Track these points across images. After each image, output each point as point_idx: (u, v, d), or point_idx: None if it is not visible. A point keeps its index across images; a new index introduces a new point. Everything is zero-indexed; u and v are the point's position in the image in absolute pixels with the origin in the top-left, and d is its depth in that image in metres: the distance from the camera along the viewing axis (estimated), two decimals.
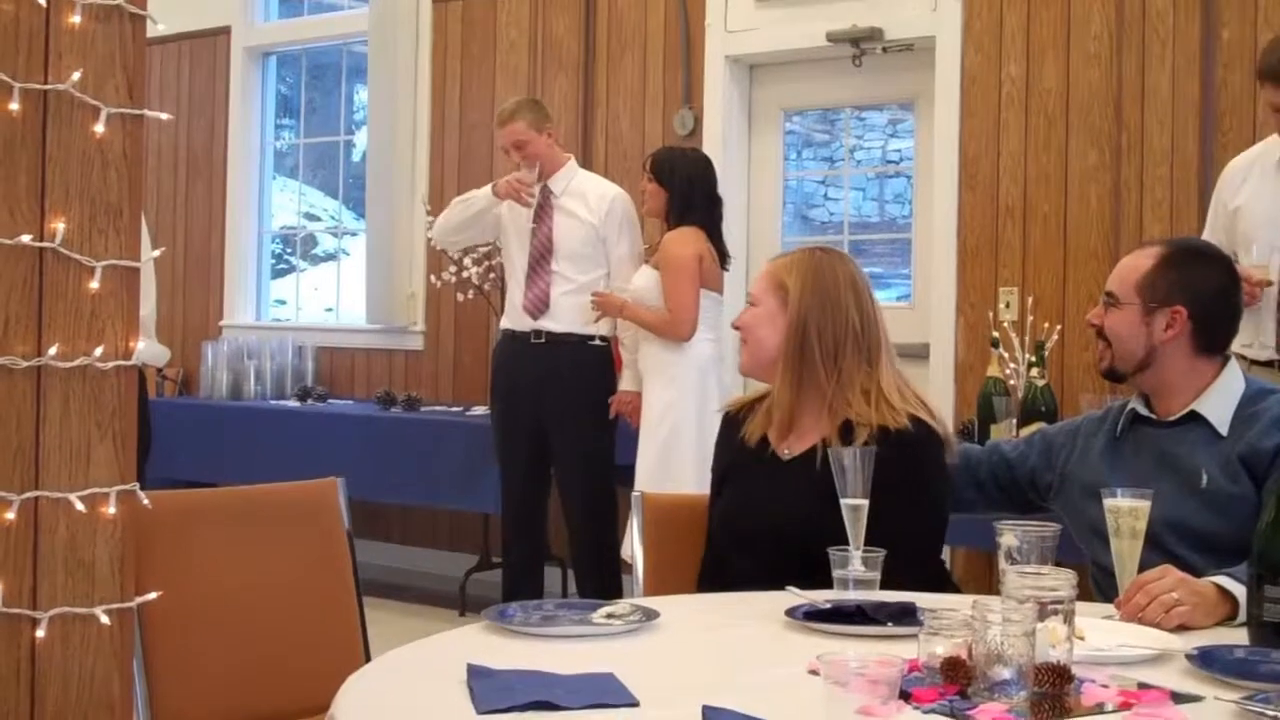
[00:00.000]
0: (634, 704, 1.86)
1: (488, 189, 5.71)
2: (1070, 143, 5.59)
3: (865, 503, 2.58)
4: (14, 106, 2.34)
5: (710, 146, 6.30)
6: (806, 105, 6.62)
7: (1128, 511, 2.52)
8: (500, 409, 5.73)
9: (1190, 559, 2.66)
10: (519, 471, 5.68)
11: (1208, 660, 2.06)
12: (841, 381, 2.88)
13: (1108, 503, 2.54)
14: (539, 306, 5.55)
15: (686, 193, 5.41)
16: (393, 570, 7.18)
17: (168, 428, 6.51)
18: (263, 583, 2.87)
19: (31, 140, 2.37)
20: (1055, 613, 2.00)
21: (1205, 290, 2.86)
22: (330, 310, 8.38)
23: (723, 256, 5.50)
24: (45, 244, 2.38)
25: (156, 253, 2.81)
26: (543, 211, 5.62)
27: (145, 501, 2.51)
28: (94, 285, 2.40)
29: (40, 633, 2.40)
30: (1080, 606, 2.45)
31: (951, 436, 2.97)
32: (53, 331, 2.38)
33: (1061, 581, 2.03)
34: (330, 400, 7.30)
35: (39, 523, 2.40)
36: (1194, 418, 2.86)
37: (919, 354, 5.91)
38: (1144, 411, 2.94)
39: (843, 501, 2.59)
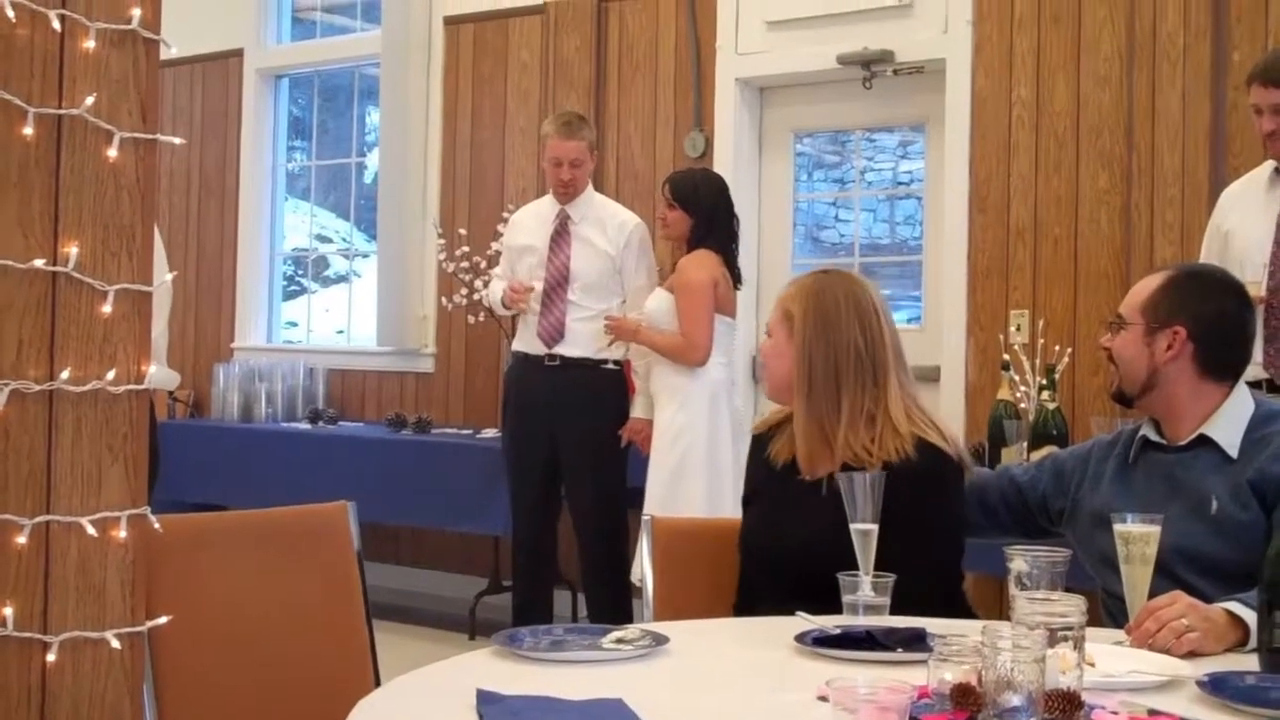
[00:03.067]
0: None
1: (498, 298, 5.74)
2: (1081, 165, 5.60)
3: (874, 528, 2.58)
4: (28, 131, 2.35)
5: (721, 168, 6.31)
6: (817, 127, 6.63)
7: (1138, 537, 2.52)
8: (512, 431, 5.73)
9: (1199, 586, 2.65)
10: (530, 494, 5.68)
11: (1218, 687, 2.06)
12: (843, 406, 2.88)
13: (1118, 528, 2.54)
14: (554, 334, 5.55)
15: (711, 215, 5.40)
16: (402, 593, 7.17)
17: (178, 449, 6.53)
18: (273, 606, 2.87)
19: (45, 164, 2.38)
20: (1065, 639, 2.00)
21: (1205, 312, 2.86)
22: (341, 332, 8.39)
23: (736, 278, 5.49)
24: (58, 268, 2.39)
25: (169, 276, 2.82)
26: (560, 238, 5.61)
27: (156, 525, 2.51)
28: (106, 309, 2.41)
29: (51, 656, 2.40)
30: (1090, 633, 2.45)
31: (965, 457, 2.96)
32: (65, 355, 2.39)
33: (1072, 608, 2.03)
34: (341, 422, 7.30)
35: (50, 547, 2.40)
36: (1203, 441, 2.85)
37: (929, 376, 5.91)
38: (1154, 437, 2.93)
39: (852, 527, 2.59)
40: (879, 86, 6.19)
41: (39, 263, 2.36)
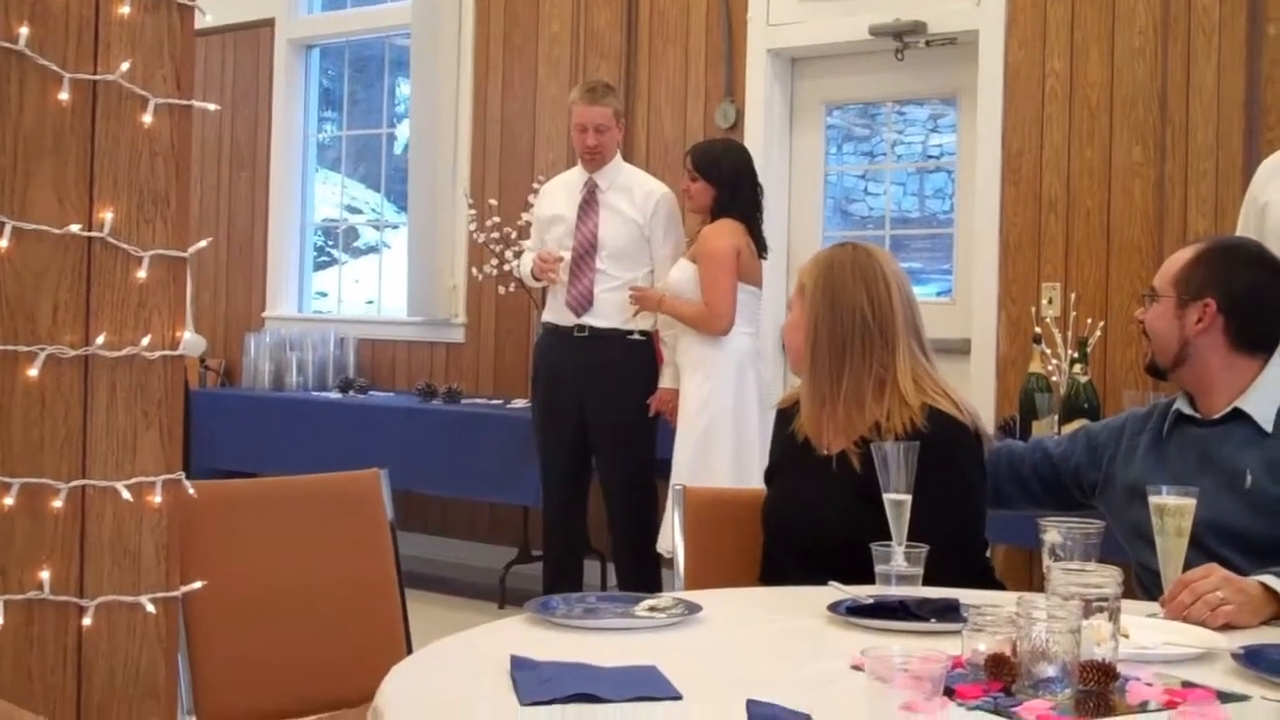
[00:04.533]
0: (677, 697, 1.86)
1: (529, 270, 5.76)
2: (1114, 137, 5.56)
3: (908, 498, 2.57)
4: (64, 96, 2.36)
5: (752, 140, 6.29)
6: (848, 99, 6.60)
7: (1173, 510, 2.50)
8: (541, 402, 5.74)
9: (1233, 560, 2.63)
10: (559, 464, 5.69)
11: (1254, 659, 2.05)
12: (851, 376, 2.88)
13: (1153, 500, 2.52)
14: (582, 303, 5.55)
15: (734, 185, 5.39)
16: (433, 562, 7.19)
17: (210, 417, 6.57)
18: (306, 573, 2.89)
19: (80, 130, 2.39)
20: (1100, 610, 1.99)
21: (1237, 284, 2.84)
22: (371, 303, 8.41)
23: (761, 247, 5.47)
24: (94, 233, 2.40)
25: (202, 244, 2.83)
26: (588, 206, 5.61)
27: (191, 491, 2.52)
28: (141, 275, 2.42)
29: (87, 620, 2.42)
30: (1124, 605, 2.44)
31: (980, 426, 2.94)
32: (100, 321, 2.40)
33: (1107, 579, 2.02)
34: (371, 392, 7.32)
35: (86, 511, 2.42)
36: (1237, 415, 2.84)
37: (960, 349, 5.89)
38: (1188, 411, 2.92)
39: (885, 497, 2.58)
40: (911, 58, 6.16)
41: (74, 228, 2.37)
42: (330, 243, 8.67)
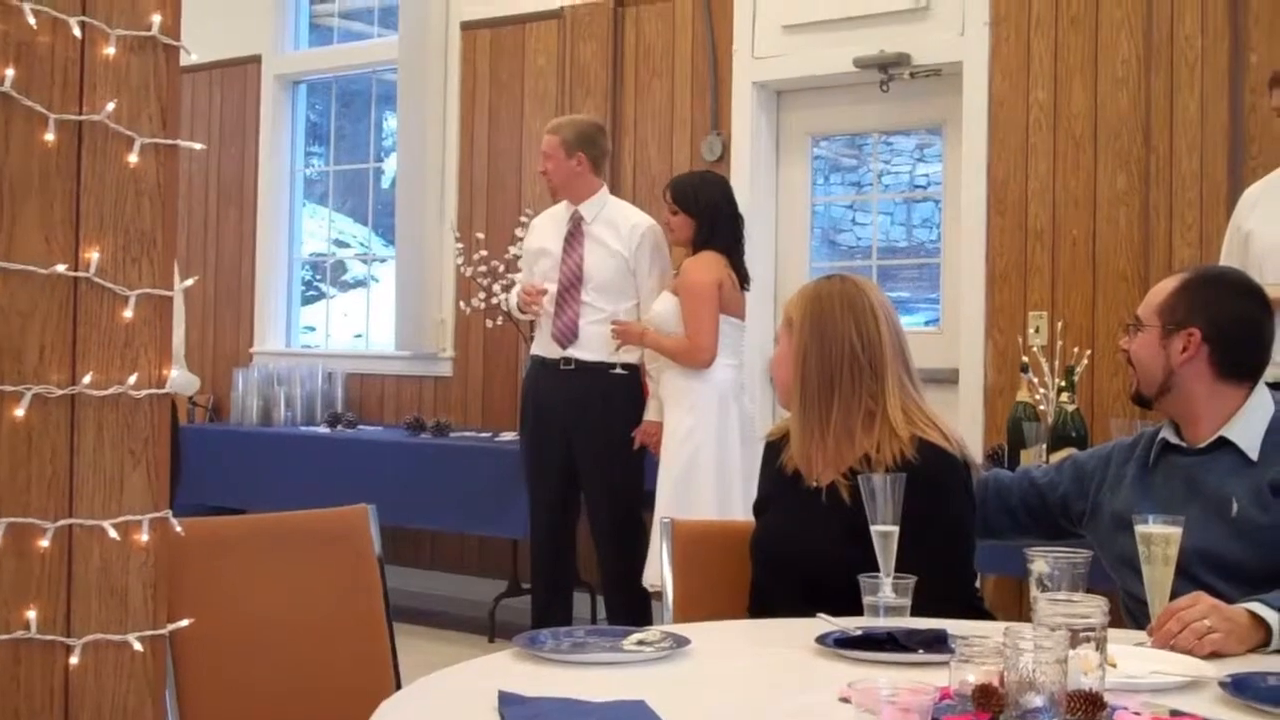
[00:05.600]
0: None
1: (515, 303, 5.81)
2: (1099, 167, 5.59)
3: (895, 529, 2.58)
4: (49, 137, 2.37)
5: (738, 172, 6.32)
6: (834, 130, 6.63)
7: (1160, 538, 2.51)
8: (529, 435, 5.74)
9: (1220, 588, 2.64)
10: (548, 497, 5.69)
11: (1241, 688, 2.05)
12: (840, 408, 2.88)
13: (1139, 529, 2.53)
14: (568, 335, 5.56)
15: (713, 217, 5.41)
16: (422, 595, 7.18)
17: (198, 453, 6.55)
18: (295, 609, 2.88)
19: (66, 170, 2.39)
20: (1087, 640, 1.99)
21: (1222, 314, 2.86)
22: (360, 336, 8.41)
23: (743, 279, 5.49)
24: (80, 273, 2.40)
25: (189, 282, 2.83)
26: (573, 239, 5.63)
27: (178, 529, 2.52)
28: (128, 314, 2.42)
29: (74, 659, 2.41)
30: (1112, 634, 2.45)
31: (968, 456, 2.95)
32: (87, 360, 2.40)
33: (1093, 609, 2.03)
34: (360, 426, 7.31)
35: (73, 550, 2.41)
36: (1223, 444, 2.85)
37: (948, 379, 5.90)
38: (1174, 439, 2.93)
39: (873, 528, 2.59)
40: (896, 89, 6.19)
41: (61, 268, 2.37)
42: (318, 277, 8.67)
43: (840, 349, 2.89)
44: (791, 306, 3.01)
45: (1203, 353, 2.85)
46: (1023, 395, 4.83)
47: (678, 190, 5.48)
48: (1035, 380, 4.88)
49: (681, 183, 5.55)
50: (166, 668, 2.59)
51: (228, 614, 2.77)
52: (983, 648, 2.02)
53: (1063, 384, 4.78)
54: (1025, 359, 5.01)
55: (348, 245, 8.85)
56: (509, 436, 6.53)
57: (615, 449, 5.56)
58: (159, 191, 2.47)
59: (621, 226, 5.61)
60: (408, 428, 6.95)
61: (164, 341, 2.47)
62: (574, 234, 5.63)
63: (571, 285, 5.58)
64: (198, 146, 2.56)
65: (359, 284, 8.68)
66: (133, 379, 2.42)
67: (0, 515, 2.31)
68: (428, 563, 7.43)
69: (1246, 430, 2.84)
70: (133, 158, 2.44)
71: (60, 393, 2.37)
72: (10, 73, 2.33)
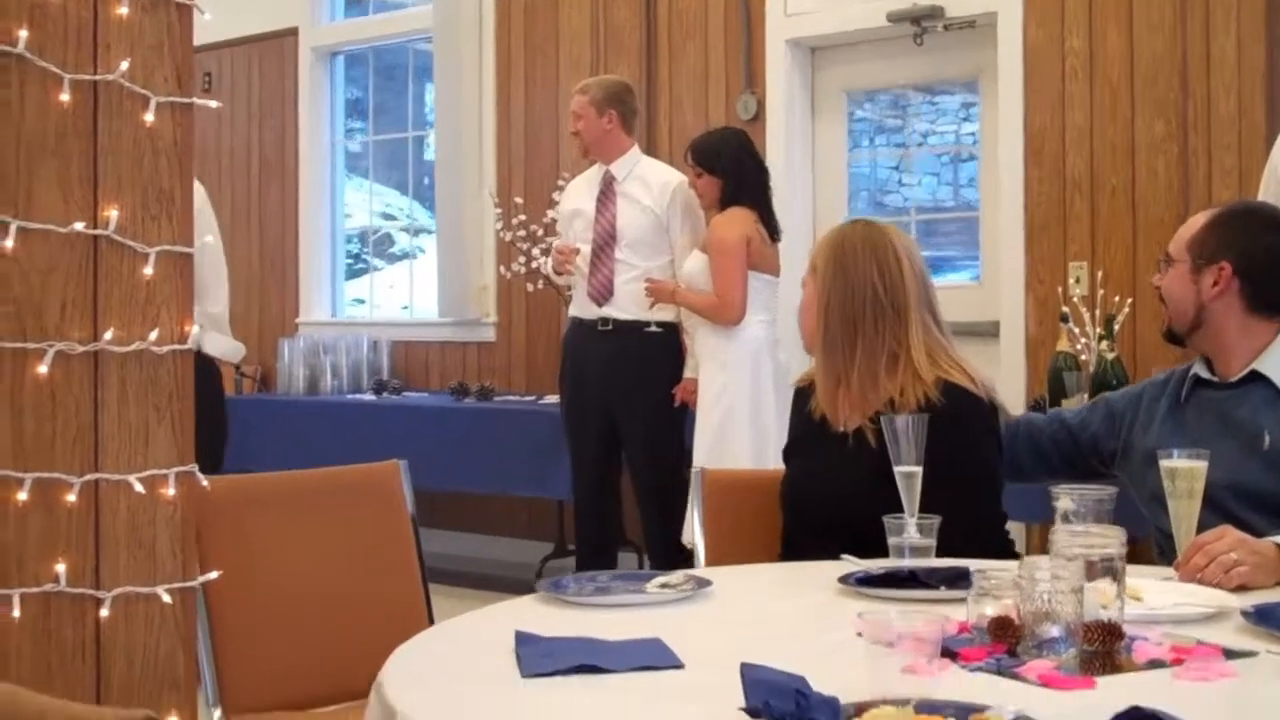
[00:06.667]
0: (679, 666, 1.87)
1: (553, 266, 5.84)
2: (1136, 113, 5.53)
3: (919, 470, 2.57)
4: (64, 97, 2.39)
5: (773, 130, 6.30)
6: (869, 86, 6.59)
7: (1184, 473, 2.50)
8: (569, 396, 5.76)
9: (1253, 521, 2.62)
10: (589, 457, 5.70)
11: (1264, 617, 2.04)
12: (864, 351, 2.87)
13: (1164, 464, 2.52)
14: (603, 293, 5.56)
15: (738, 173, 5.38)
16: (469, 559, 7.20)
17: (246, 424, 6.61)
18: (329, 564, 2.91)
19: (83, 130, 2.42)
20: (1105, 570, 1.99)
21: (1253, 247, 2.83)
22: (407, 308, 8.44)
23: (773, 232, 5.46)
24: (99, 231, 2.42)
25: (209, 238, 2.85)
26: (605, 198, 5.63)
27: (204, 483, 2.54)
28: (148, 271, 2.44)
29: (104, 612, 2.44)
30: (1142, 570, 2.44)
31: (995, 399, 2.93)
32: (108, 317, 2.43)
33: (1110, 539, 2.02)
34: (405, 393, 7.36)
35: (100, 504, 2.44)
36: (1256, 378, 2.83)
37: (989, 332, 5.87)
38: (1205, 375, 2.91)
39: (896, 469, 2.59)
40: (930, 42, 6.14)
41: (79, 226, 2.39)
42: (364, 250, 8.71)
43: (862, 291, 2.88)
44: (816, 252, 3.01)
45: (1233, 287, 2.83)
46: (1063, 345, 4.80)
47: (699, 151, 5.46)
48: (1076, 330, 4.85)
49: (702, 143, 5.52)
50: (196, 619, 2.62)
51: (262, 569, 2.80)
52: (1000, 581, 2.02)
53: (1103, 333, 4.75)
54: (1065, 309, 4.97)
55: (392, 217, 8.87)
56: (552, 399, 6.54)
57: (654, 407, 5.56)
58: (176, 150, 2.49)
59: (653, 184, 5.61)
60: (452, 393, 6.98)
61: (185, 297, 2.50)
62: (606, 193, 5.63)
63: (605, 244, 5.58)
64: (213, 104, 2.58)
65: (404, 256, 8.70)
66: (154, 334, 2.45)
67: (27, 470, 2.34)
68: (474, 526, 7.46)
69: (1279, 363, 2.81)
70: (149, 117, 2.46)
71: (82, 349, 2.40)
72: (24, 34, 2.35)
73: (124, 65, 2.44)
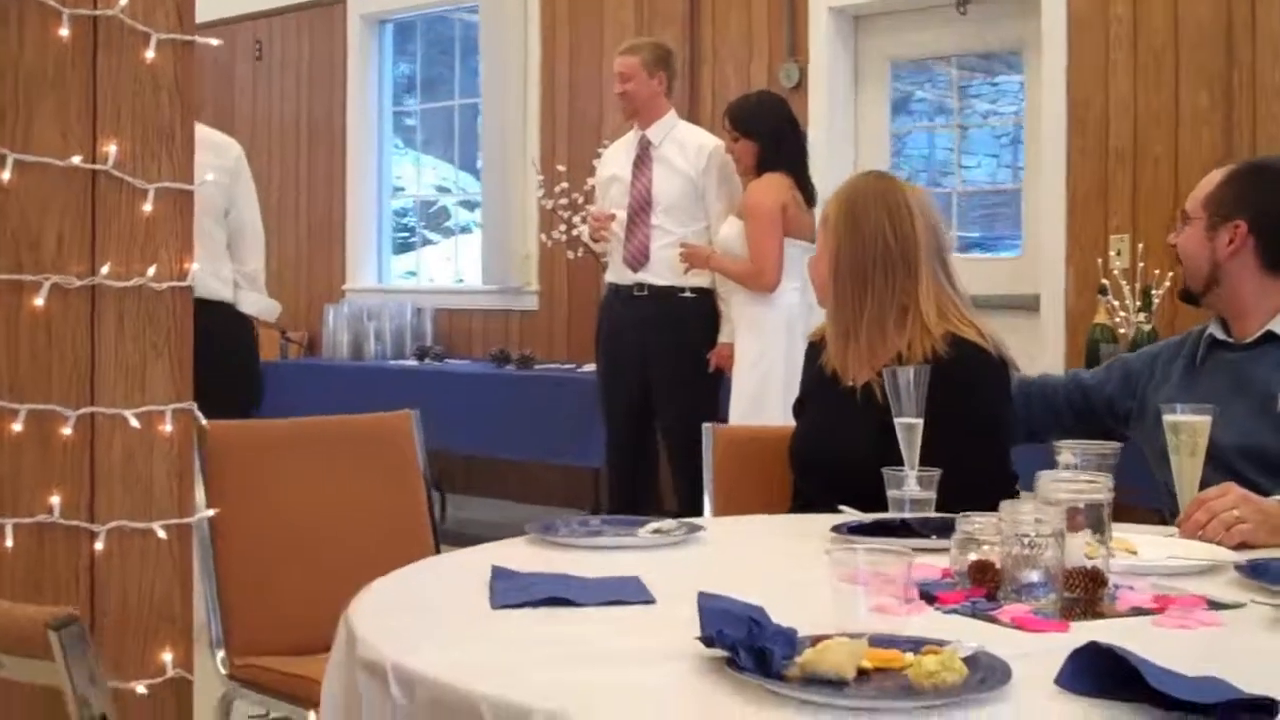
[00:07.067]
0: (650, 601, 1.86)
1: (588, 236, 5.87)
2: (1180, 83, 5.45)
3: (919, 422, 2.54)
4: (63, 32, 2.40)
5: (816, 99, 6.27)
6: (912, 55, 6.53)
7: (1186, 427, 2.46)
8: (604, 362, 5.76)
9: (1262, 482, 2.57)
10: (623, 423, 5.69)
11: (1257, 571, 2.00)
12: (873, 304, 2.84)
13: (1167, 419, 2.48)
14: (639, 258, 5.55)
15: (775, 138, 5.35)
16: (506, 526, 7.20)
17: (292, 388, 6.69)
18: (336, 511, 2.92)
19: (82, 65, 2.43)
20: (1090, 517, 1.95)
21: (1269, 205, 2.78)
22: (461, 282, 8.43)
23: (809, 198, 5.42)
24: (98, 166, 2.43)
25: (210, 176, 2.84)
26: (641, 163, 5.62)
27: (203, 421, 2.55)
28: (147, 207, 2.45)
29: (99, 545, 2.45)
30: (1148, 529, 2.40)
31: (1005, 354, 2.88)
32: (106, 252, 2.44)
33: (1097, 485, 1.98)
34: (448, 360, 7.38)
35: (95, 439, 2.46)
36: (1271, 339, 2.78)
37: (1030, 306, 5.81)
38: (1220, 335, 2.86)
39: (896, 421, 2.56)
40: (974, 11, 6.08)
41: (77, 160, 2.40)
42: (411, 218, 8.74)
43: (873, 243, 2.85)
44: (828, 203, 2.99)
45: (1249, 245, 2.78)
46: (1101, 318, 4.76)
47: (736, 115, 5.43)
48: (1115, 303, 4.80)
49: (738, 107, 5.49)
50: (204, 563, 2.63)
51: (270, 514, 2.82)
52: (984, 526, 1.99)
53: (1140, 305, 4.70)
54: (1104, 281, 4.92)
55: (441, 187, 8.89)
56: (592, 368, 6.54)
57: (688, 374, 5.54)
58: (177, 87, 2.50)
59: (689, 148, 5.58)
60: (493, 360, 7.00)
61: (185, 235, 2.50)
62: (642, 158, 5.62)
63: (641, 209, 5.56)
64: (215, 43, 2.58)
65: (461, 230, 8.70)
66: (152, 270, 2.45)
67: (22, 402, 2.36)
68: (511, 493, 7.47)
69: None
70: (149, 54, 2.46)
71: (80, 283, 2.41)
72: None
73: (123, 1, 2.44)
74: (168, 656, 2.54)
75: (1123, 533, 2.16)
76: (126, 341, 2.47)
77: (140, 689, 2.51)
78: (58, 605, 2.41)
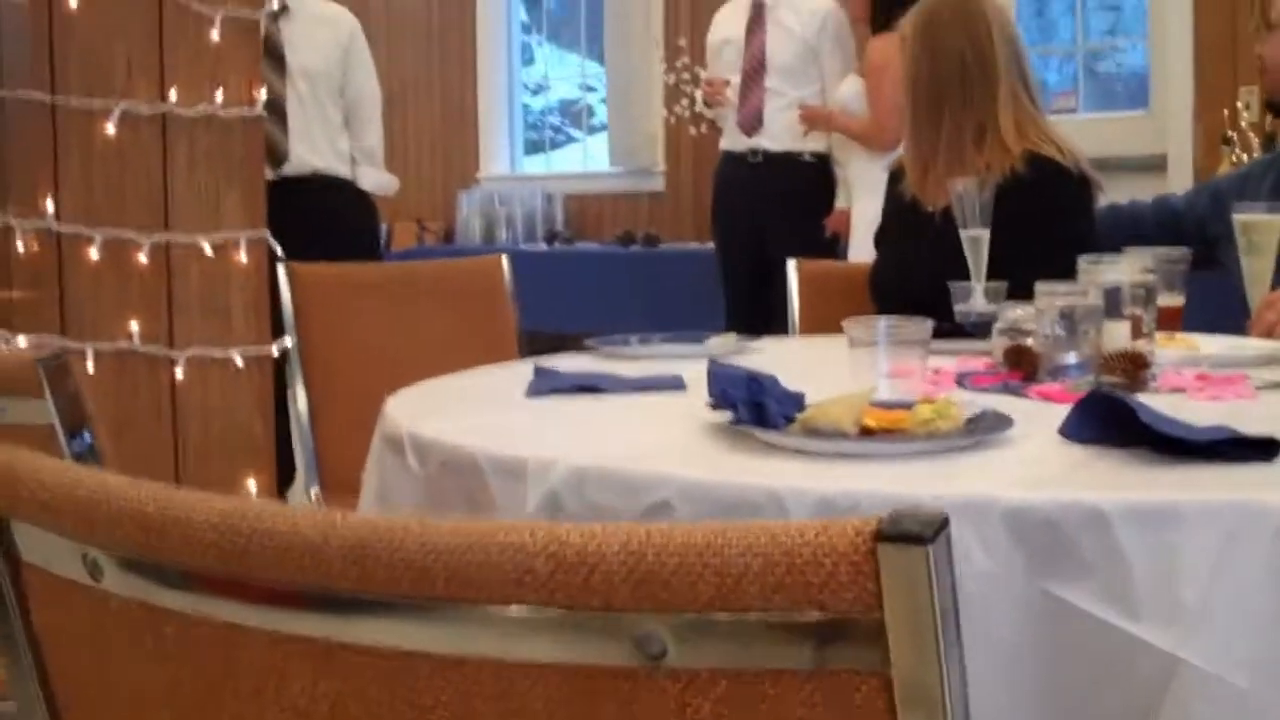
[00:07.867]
0: (680, 388, 1.87)
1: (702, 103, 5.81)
2: None
3: (985, 233, 2.50)
4: None
5: None
6: None
7: (1259, 226, 2.40)
8: (720, 232, 5.73)
9: None
10: (742, 292, 5.67)
11: None
12: (951, 125, 2.79)
13: (1237, 218, 2.43)
14: (752, 122, 5.50)
15: None
16: None
17: None
18: (429, 350, 2.96)
19: None
20: (1133, 299, 1.91)
21: None
22: (589, 166, 8.47)
23: None
24: None
25: (364, 73, 2.83)
26: (755, 25, 5.54)
27: (278, 250, 2.61)
28: (214, 35, 2.50)
29: (179, 372, 2.53)
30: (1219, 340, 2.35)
31: (1086, 171, 2.82)
32: (174, 78, 2.49)
33: (1135, 265, 1.94)
34: (576, 243, 7.43)
35: (171, 268, 2.53)
36: None
37: (1157, 165, 5.65)
38: None
39: (962, 233, 2.52)
40: None
41: None
42: (566, 122, 8.76)
43: (950, 61, 2.79)
44: (904, 22, 2.92)
45: None
46: (1224, 169, 4.63)
47: None
48: (1245, 156, 4.67)
49: None
50: (299, 399, 2.69)
51: (363, 354, 2.87)
52: (1027, 315, 1.97)
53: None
54: (1230, 133, 4.78)
55: (594, 89, 8.87)
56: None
57: (807, 240, 5.48)
58: None
59: (803, 9, 5.49)
60: (618, 242, 7.02)
61: (253, 64, 2.55)
62: (756, 20, 5.54)
63: (755, 72, 5.51)
64: None
65: (582, 110, 8.71)
66: (220, 97, 2.50)
67: (98, 227, 2.43)
68: None
69: None
70: None
71: (149, 111, 2.48)
72: None
73: None
74: (252, 483, 2.62)
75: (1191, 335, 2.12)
76: (199, 171, 2.53)
77: None
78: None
